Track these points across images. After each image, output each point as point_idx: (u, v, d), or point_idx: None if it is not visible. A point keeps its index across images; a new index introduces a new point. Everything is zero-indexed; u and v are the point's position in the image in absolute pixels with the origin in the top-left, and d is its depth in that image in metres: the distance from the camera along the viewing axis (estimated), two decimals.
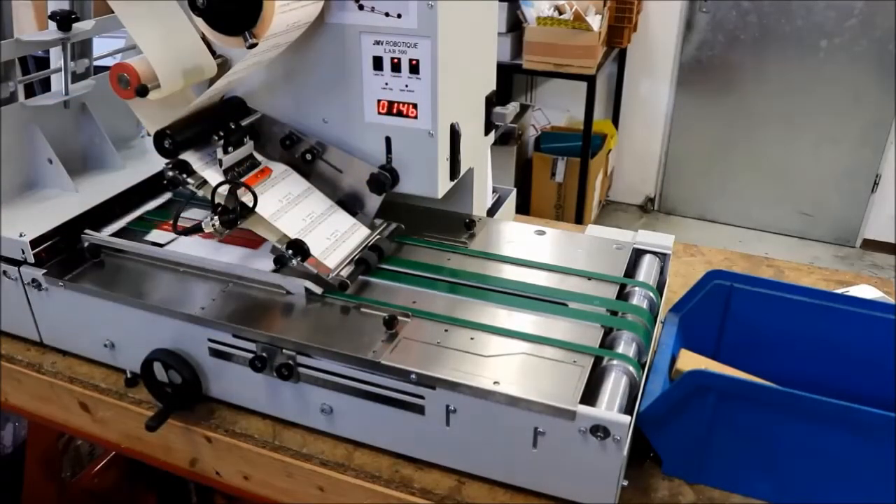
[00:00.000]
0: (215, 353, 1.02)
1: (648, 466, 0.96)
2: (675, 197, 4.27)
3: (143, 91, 0.99)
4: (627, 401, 0.87)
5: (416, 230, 1.19)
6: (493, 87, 1.25)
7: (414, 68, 1.03)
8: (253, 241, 1.15)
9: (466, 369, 0.89)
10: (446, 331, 0.97)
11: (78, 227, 1.17)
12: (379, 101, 1.07)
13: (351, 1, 1.01)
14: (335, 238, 1.09)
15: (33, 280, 1.11)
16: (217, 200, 1.03)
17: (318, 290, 1.03)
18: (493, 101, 1.24)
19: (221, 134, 1.06)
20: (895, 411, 0.79)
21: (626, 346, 0.94)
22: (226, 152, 1.07)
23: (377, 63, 1.05)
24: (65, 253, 1.15)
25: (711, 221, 4.22)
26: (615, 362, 0.90)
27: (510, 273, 1.09)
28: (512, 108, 1.26)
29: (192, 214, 1.22)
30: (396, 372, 0.90)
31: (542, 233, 1.21)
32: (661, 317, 1.06)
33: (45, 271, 1.10)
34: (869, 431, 0.81)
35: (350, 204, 1.14)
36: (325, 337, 0.96)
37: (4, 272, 1.13)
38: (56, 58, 1.48)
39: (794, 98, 3.76)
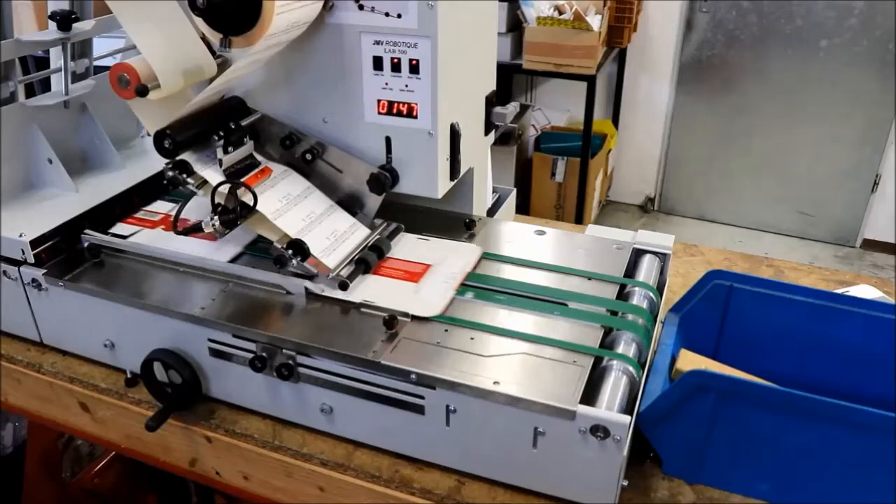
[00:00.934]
0: (215, 353, 1.02)
1: (648, 466, 0.96)
2: (675, 197, 4.27)
3: (143, 91, 0.99)
4: (627, 401, 0.87)
5: (416, 230, 1.19)
6: (493, 87, 1.25)
7: (414, 68, 1.03)
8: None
9: (466, 369, 0.89)
10: (446, 331, 0.97)
11: (78, 227, 1.17)
12: (379, 101, 1.07)
13: (351, 1, 1.01)
14: (335, 238, 1.09)
15: (33, 280, 1.11)
16: (217, 200, 1.03)
17: (318, 289, 1.03)
18: (493, 101, 1.24)
19: (221, 134, 1.06)
20: (895, 411, 0.79)
21: (626, 346, 0.94)
22: (226, 152, 1.07)
23: (377, 63, 1.05)
24: (65, 253, 1.15)
25: (711, 221, 4.22)
26: (615, 362, 0.90)
27: (510, 273, 1.09)
28: (512, 108, 1.26)
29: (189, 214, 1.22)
30: (396, 372, 0.90)
31: (542, 233, 1.21)
32: (661, 317, 1.06)
33: (45, 271, 1.10)
34: (869, 431, 0.81)
35: (350, 204, 1.14)
36: (325, 337, 0.96)
37: (4, 272, 1.13)
38: (56, 58, 1.48)
39: (794, 98, 3.76)
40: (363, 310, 1.01)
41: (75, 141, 1.35)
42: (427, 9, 0.98)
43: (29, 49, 1.32)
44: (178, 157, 1.05)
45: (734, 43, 3.79)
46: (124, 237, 1.15)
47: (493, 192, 1.40)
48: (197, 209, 1.11)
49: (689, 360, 1.02)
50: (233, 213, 1.03)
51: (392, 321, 0.96)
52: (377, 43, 1.03)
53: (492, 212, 1.36)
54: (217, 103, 1.12)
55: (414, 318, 0.99)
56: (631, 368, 0.90)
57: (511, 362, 0.91)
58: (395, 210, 1.18)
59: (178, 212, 1.09)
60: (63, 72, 1.30)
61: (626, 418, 0.81)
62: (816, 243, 4.00)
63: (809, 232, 4.02)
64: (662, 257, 1.13)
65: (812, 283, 1.33)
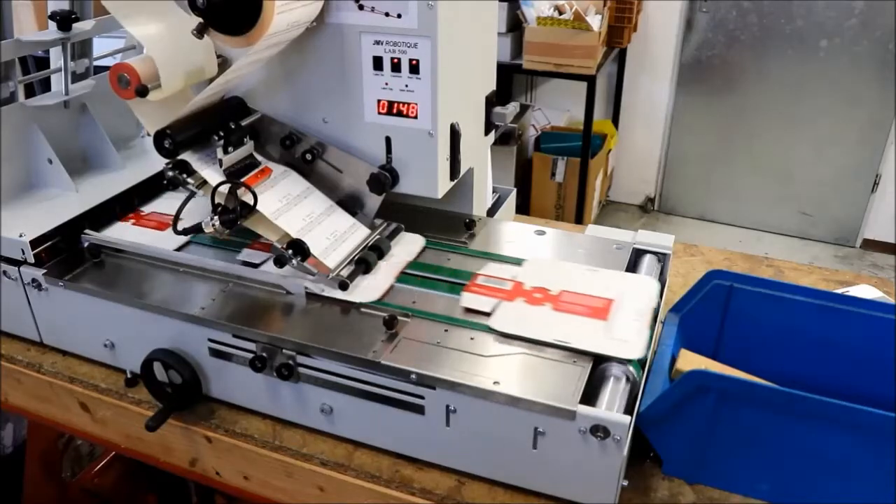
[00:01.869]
0: (215, 353, 1.02)
1: (648, 466, 0.96)
2: (675, 197, 4.27)
3: (143, 91, 0.99)
4: (627, 401, 0.87)
5: (416, 230, 1.19)
6: (493, 87, 1.25)
7: (414, 68, 1.03)
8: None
9: (466, 369, 0.89)
10: (446, 331, 0.97)
11: (78, 227, 1.17)
12: (379, 101, 1.07)
13: (351, 1, 1.01)
14: (335, 238, 1.09)
15: (33, 280, 1.11)
16: (217, 200, 1.03)
17: (318, 289, 1.03)
18: (493, 101, 1.24)
19: (221, 134, 1.06)
20: (895, 411, 0.79)
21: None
22: (226, 152, 1.07)
23: (377, 63, 1.05)
24: (65, 253, 1.15)
25: (711, 221, 4.22)
26: (615, 362, 0.90)
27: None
28: (512, 108, 1.26)
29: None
30: (396, 372, 0.90)
31: (542, 233, 1.21)
32: (661, 317, 1.06)
33: (45, 271, 1.10)
34: (869, 431, 0.81)
35: (350, 204, 1.14)
36: (325, 337, 0.96)
37: (4, 272, 1.13)
38: (56, 58, 1.48)
39: (795, 98, 3.76)
40: (363, 310, 1.01)
41: (75, 141, 1.35)
42: (427, 9, 0.98)
43: (29, 49, 1.32)
44: (178, 157, 1.05)
45: (734, 43, 3.79)
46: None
47: (493, 192, 1.40)
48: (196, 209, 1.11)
49: (689, 361, 1.02)
50: (233, 213, 1.03)
51: (392, 321, 0.96)
52: (377, 43, 1.03)
53: (492, 212, 1.36)
54: (217, 103, 1.12)
55: (413, 316, 0.99)
56: (631, 368, 0.90)
57: (511, 362, 0.91)
58: (395, 210, 1.18)
59: (178, 212, 1.09)
60: (63, 72, 1.30)
61: (626, 418, 0.81)
62: (816, 243, 4.00)
63: (809, 232, 4.02)
64: (662, 257, 1.13)
65: (812, 283, 1.33)
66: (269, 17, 0.91)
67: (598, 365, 0.91)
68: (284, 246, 1.03)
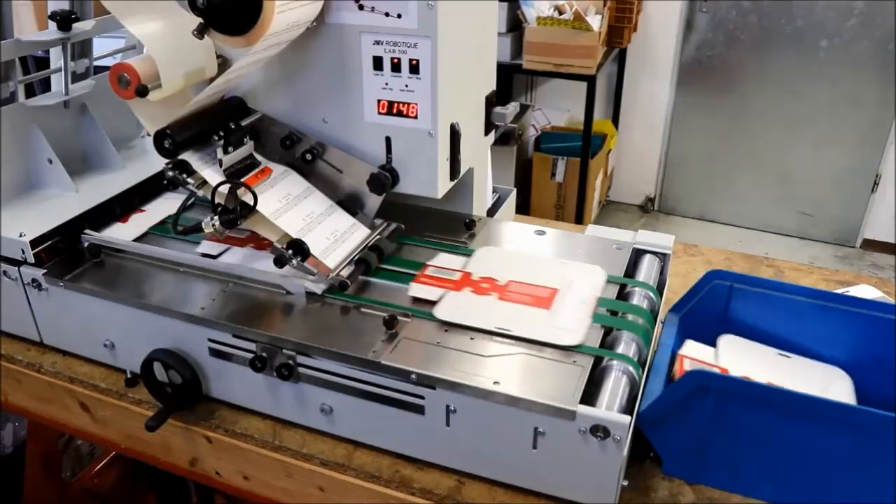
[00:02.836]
0: (215, 353, 1.02)
1: (648, 466, 0.96)
2: (675, 197, 4.26)
3: (143, 91, 0.99)
4: (627, 401, 0.87)
5: (416, 230, 1.19)
6: (493, 87, 1.25)
7: (414, 68, 1.03)
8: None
9: (466, 369, 0.89)
10: (446, 331, 0.97)
11: (78, 227, 1.17)
12: (379, 101, 1.07)
13: (351, 1, 1.01)
14: (335, 238, 1.09)
15: (33, 280, 1.11)
16: (217, 200, 1.03)
17: (318, 289, 1.03)
18: (493, 101, 1.24)
19: (221, 134, 1.06)
20: (895, 411, 0.79)
21: (626, 346, 0.94)
22: (226, 152, 1.07)
23: (377, 63, 1.05)
24: (65, 253, 1.15)
25: (711, 221, 4.22)
26: (615, 362, 0.90)
27: None
28: (512, 108, 1.26)
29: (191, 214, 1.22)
30: (396, 372, 0.90)
31: (542, 233, 1.21)
32: (661, 317, 1.06)
33: (45, 271, 1.10)
34: (869, 431, 0.81)
35: (350, 204, 1.14)
36: (325, 337, 0.96)
37: (4, 272, 1.13)
38: (56, 58, 1.48)
39: (794, 98, 3.76)
40: (363, 310, 1.01)
41: (75, 141, 1.35)
42: (427, 9, 0.98)
43: (29, 49, 1.32)
44: (178, 157, 1.05)
45: (734, 43, 3.79)
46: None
47: (493, 192, 1.40)
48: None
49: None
50: (233, 213, 1.03)
51: (392, 321, 0.96)
52: (377, 43, 1.03)
53: (492, 212, 1.36)
54: (217, 103, 1.12)
55: (414, 317, 0.99)
56: (631, 368, 0.90)
57: (511, 362, 0.91)
58: (395, 210, 1.18)
59: (178, 212, 1.09)
60: (63, 72, 1.30)
61: (626, 418, 0.81)
62: (816, 243, 4.00)
63: (809, 232, 4.02)
64: (662, 257, 1.13)
65: (812, 283, 1.33)
66: (269, 17, 0.91)
67: (598, 365, 0.91)
68: (284, 246, 1.03)
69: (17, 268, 1.12)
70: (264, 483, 1.05)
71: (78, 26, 1.28)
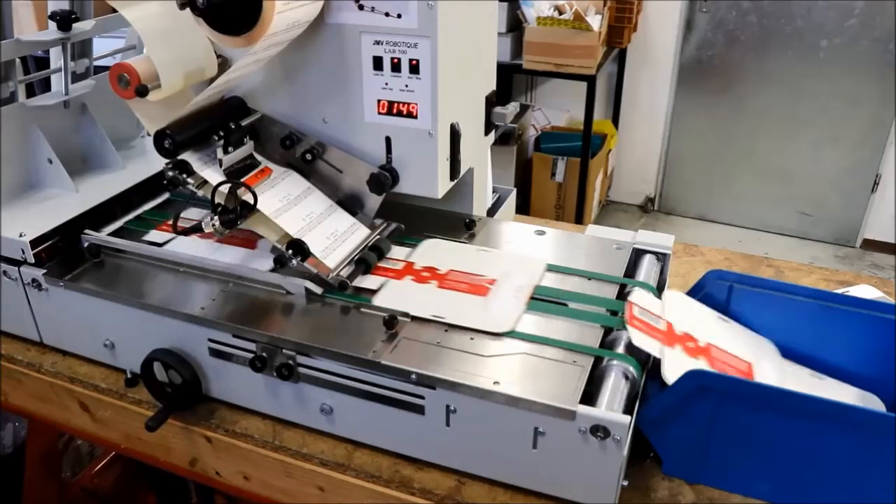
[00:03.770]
0: (215, 353, 1.02)
1: (648, 466, 0.96)
2: (675, 197, 4.27)
3: (143, 91, 0.99)
4: (627, 401, 0.87)
5: (416, 230, 1.19)
6: (493, 87, 1.25)
7: (414, 68, 1.03)
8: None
9: (466, 369, 0.89)
10: (446, 331, 0.97)
11: (78, 227, 1.17)
12: (379, 101, 1.07)
13: (351, 1, 1.01)
14: (335, 238, 1.09)
15: (33, 280, 1.11)
16: (217, 200, 1.03)
17: (318, 290, 1.03)
18: (493, 101, 1.24)
19: (221, 134, 1.06)
20: (895, 411, 0.79)
21: (626, 346, 0.94)
22: (226, 152, 1.07)
23: (377, 63, 1.05)
24: (65, 253, 1.15)
25: (711, 221, 4.22)
26: (615, 362, 0.90)
27: None
28: (512, 108, 1.26)
29: (191, 214, 1.22)
30: (396, 372, 0.90)
31: (542, 233, 1.21)
32: None
33: (45, 271, 1.10)
34: (869, 431, 0.81)
35: (350, 204, 1.14)
36: (325, 337, 0.96)
37: (4, 272, 1.13)
38: (56, 58, 1.48)
39: (794, 98, 3.76)
40: (363, 310, 1.01)
41: (75, 141, 1.34)
42: (427, 9, 0.98)
43: (29, 49, 1.32)
44: (178, 157, 1.05)
45: (734, 43, 3.79)
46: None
47: (493, 192, 1.40)
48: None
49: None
50: (233, 213, 1.03)
51: (392, 321, 0.96)
52: (377, 43, 1.03)
53: (492, 212, 1.36)
54: (217, 103, 1.12)
55: (414, 318, 0.99)
56: (631, 368, 0.90)
57: (511, 362, 0.91)
58: (395, 210, 1.18)
59: (178, 212, 1.09)
60: (63, 72, 1.30)
61: (626, 418, 0.81)
62: (816, 243, 4.00)
63: (809, 232, 4.02)
64: (662, 257, 1.13)
65: (812, 283, 1.33)
66: (269, 17, 0.91)
67: (598, 364, 0.91)
68: (284, 246, 1.03)
69: (17, 268, 1.12)
70: (264, 483, 1.05)
71: (78, 26, 1.28)
